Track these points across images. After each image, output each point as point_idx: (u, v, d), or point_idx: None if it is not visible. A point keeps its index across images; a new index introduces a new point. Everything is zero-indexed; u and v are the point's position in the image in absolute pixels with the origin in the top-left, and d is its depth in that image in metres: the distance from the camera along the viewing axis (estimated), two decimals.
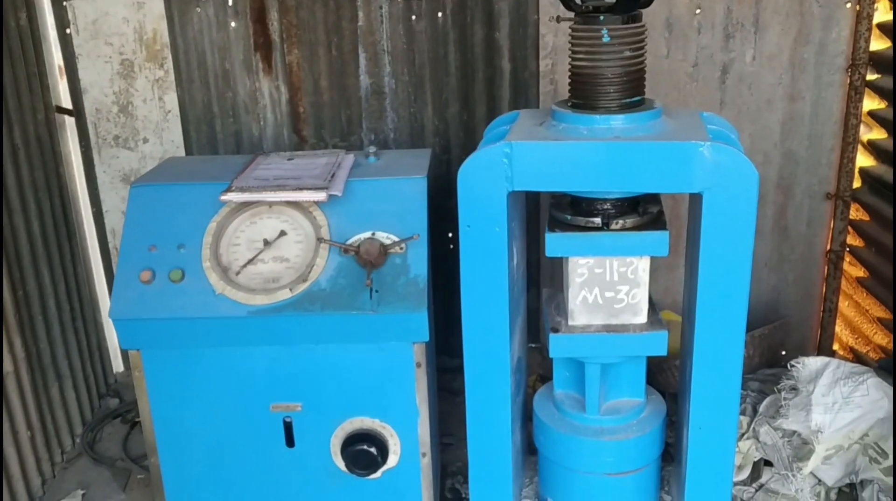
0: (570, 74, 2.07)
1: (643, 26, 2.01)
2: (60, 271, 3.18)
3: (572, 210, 2.12)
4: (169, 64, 3.29)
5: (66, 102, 3.35)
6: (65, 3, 3.21)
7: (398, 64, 3.26)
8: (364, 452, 2.31)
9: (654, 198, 2.19)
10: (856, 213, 3.25)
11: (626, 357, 2.26)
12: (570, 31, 2.01)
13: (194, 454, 2.38)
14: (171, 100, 3.34)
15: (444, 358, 3.14)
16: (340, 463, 2.35)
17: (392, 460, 2.35)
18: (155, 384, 2.30)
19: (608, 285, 2.14)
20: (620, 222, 2.07)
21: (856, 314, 3.32)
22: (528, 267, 2.70)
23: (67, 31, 3.25)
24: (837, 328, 3.45)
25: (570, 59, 2.05)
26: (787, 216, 3.35)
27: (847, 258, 3.33)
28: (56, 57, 3.28)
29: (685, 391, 2.22)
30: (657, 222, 2.11)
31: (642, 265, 2.13)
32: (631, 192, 2.06)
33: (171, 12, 3.23)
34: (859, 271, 3.27)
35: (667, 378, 3.06)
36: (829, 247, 3.36)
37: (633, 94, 2.02)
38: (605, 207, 2.08)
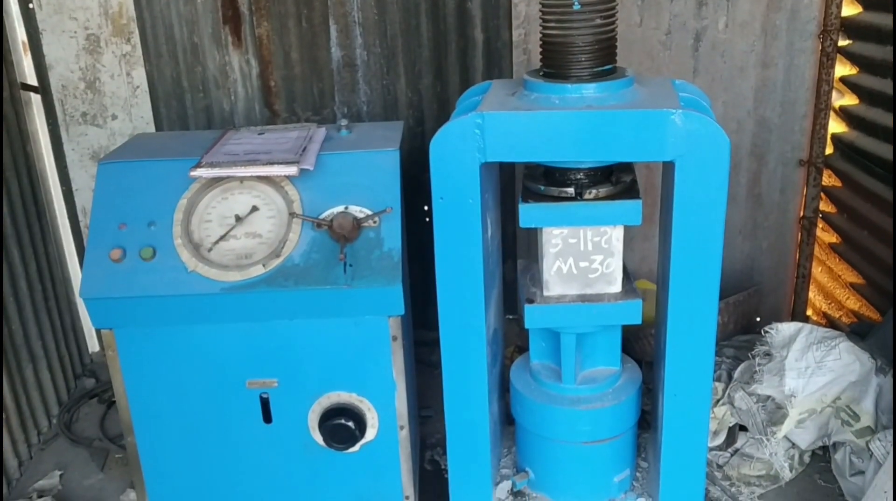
0: (541, 42, 2.05)
1: None
2: (31, 251, 3.14)
3: (545, 180, 2.11)
4: (136, 38, 3.24)
5: (32, 79, 3.28)
6: None
7: (370, 35, 3.22)
8: (342, 426, 2.31)
9: (627, 167, 2.19)
10: (828, 179, 3.28)
11: (601, 327, 2.27)
12: None
13: (171, 432, 2.37)
14: (140, 75, 3.29)
15: (422, 331, 3.14)
16: (318, 438, 2.35)
17: (370, 433, 2.36)
18: (129, 364, 2.28)
19: (582, 255, 2.14)
20: (594, 191, 2.06)
21: (829, 280, 3.35)
22: (504, 238, 2.69)
23: (30, 5, 3.18)
24: (811, 294, 3.49)
25: (540, 28, 2.03)
26: (761, 183, 3.36)
27: (820, 225, 3.36)
28: (19, 33, 3.22)
29: (660, 358, 2.24)
30: (630, 192, 2.11)
31: (616, 235, 2.13)
32: (604, 161, 2.05)
33: None
34: (832, 237, 3.30)
35: (643, 347, 3.08)
36: (802, 213, 3.38)
37: (604, 62, 2.01)
38: (579, 176, 2.08)
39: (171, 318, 2.21)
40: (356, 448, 2.36)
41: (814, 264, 3.43)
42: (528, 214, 2.08)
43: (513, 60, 3.20)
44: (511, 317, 3.31)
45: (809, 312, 3.51)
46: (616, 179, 2.12)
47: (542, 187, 2.10)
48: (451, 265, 2.07)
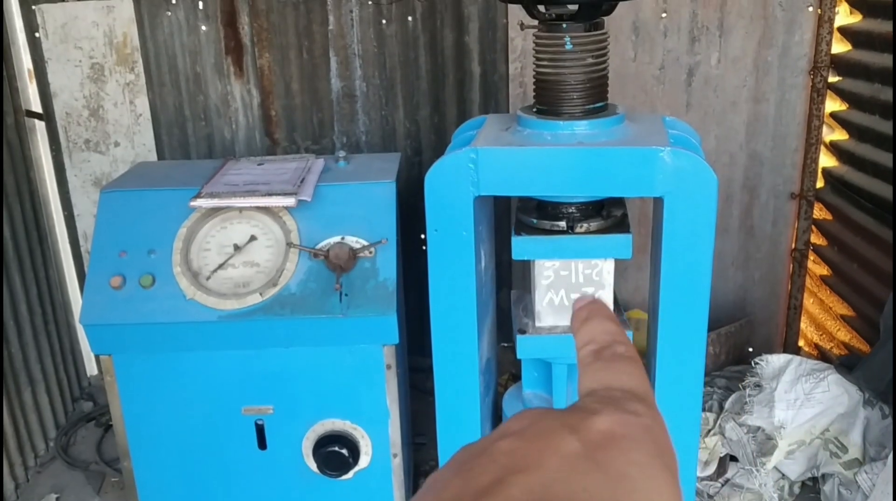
0: (534, 80, 2.10)
1: (605, 34, 2.04)
2: (32, 275, 3.18)
3: (538, 214, 2.15)
4: (139, 68, 3.30)
5: (36, 106, 3.34)
6: (34, 7, 3.20)
7: (369, 67, 3.28)
8: (335, 453, 2.34)
9: (618, 201, 2.23)
10: (819, 212, 3.32)
11: None
12: (533, 38, 2.05)
13: (167, 457, 2.40)
14: (143, 103, 3.34)
15: (417, 358, 3.17)
16: (312, 465, 2.38)
17: (364, 461, 2.38)
18: (127, 389, 2.31)
19: (574, 287, 2.18)
20: (585, 225, 2.10)
21: (820, 312, 3.39)
22: (500, 268, 2.73)
23: (36, 34, 3.24)
24: (802, 325, 3.52)
25: (534, 66, 2.08)
26: (753, 216, 3.41)
27: (811, 257, 3.40)
28: (25, 61, 3.28)
29: None
30: (621, 226, 2.15)
31: (607, 268, 2.16)
32: (594, 196, 2.10)
33: (141, 16, 3.23)
34: (823, 270, 3.34)
35: None
36: (793, 246, 3.43)
37: (596, 100, 2.06)
38: (570, 210, 2.12)
39: (170, 345, 2.25)
40: (350, 475, 2.39)
41: (805, 295, 3.47)
42: (521, 246, 2.12)
43: (509, 93, 3.25)
44: (505, 345, 3.34)
45: (801, 343, 3.54)
46: (607, 214, 2.16)
47: (535, 221, 2.14)
48: (445, 296, 2.11)
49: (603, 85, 2.08)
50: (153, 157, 3.40)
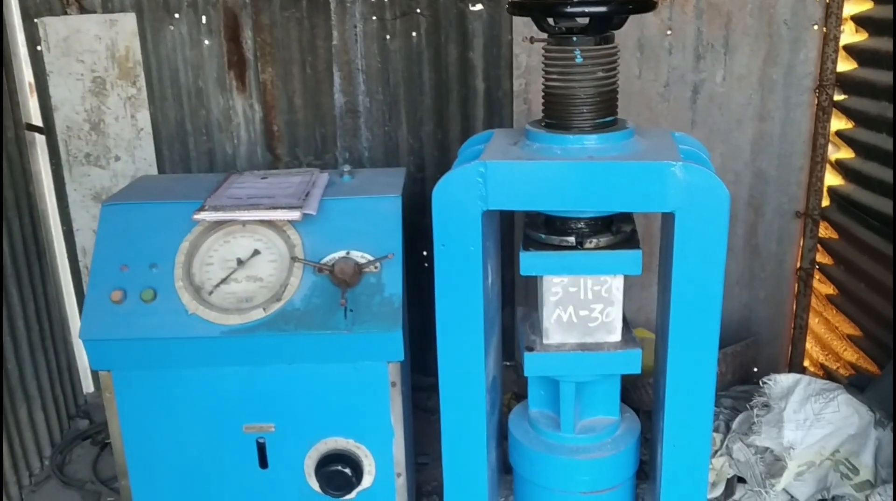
0: (543, 94, 2.08)
1: (615, 47, 2.03)
2: (30, 291, 3.14)
3: (546, 229, 2.13)
4: (141, 82, 3.28)
5: (37, 120, 3.31)
6: (35, 21, 3.18)
7: (373, 83, 3.27)
8: (338, 473, 2.30)
9: (627, 217, 2.20)
10: (825, 231, 3.30)
11: (600, 375, 2.26)
12: (543, 52, 2.03)
13: (166, 476, 2.35)
14: (144, 117, 3.32)
15: (419, 376, 3.13)
16: (315, 484, 2.33)
17: (367, 480, 2.34)
18: (126, 406, 2.27)
19: (582, 304, 2.14)
20: (594, 240, 2.07)
21: (826, 331, 3.36)
22: (503, 285, 2.70)
23: (38, 48, 3.22)
24: (808, 345, 3.49)
25: (543, 80, 2.06)
26: (758, 235, 3.39)
27: (817, 276, 3.38)
28: (26, 74, 3.26)
29: (659, 408, 2.23)
30: (631, 241, 2.12)
31: (616, 284, 2.13)
32: (604, 211, 2.07)
33: (143, 30, 3.22)
34: (829, 289, 3.31)
35: (641, 396, 3.08)
36: (799, 265, 3.40)
37: (606, 114, 2.04)
38: (579, 226, 2.09)
39: (171, 361, 2.21)
40: (353, 494, 2.35)
41: (811, 315, 3.44)
42: (529, 262, 2.09)
43: (513, 110, 3.24)
44: (508, 364, 3.30)
45: (806, 363, 3.50)
46: (616, 229, 2.13)
47: (543, 236, 2.11)
48: (451, 313, 2.07)
49: (613, 99, 2.06)
50: (154, 171, 3.37)
